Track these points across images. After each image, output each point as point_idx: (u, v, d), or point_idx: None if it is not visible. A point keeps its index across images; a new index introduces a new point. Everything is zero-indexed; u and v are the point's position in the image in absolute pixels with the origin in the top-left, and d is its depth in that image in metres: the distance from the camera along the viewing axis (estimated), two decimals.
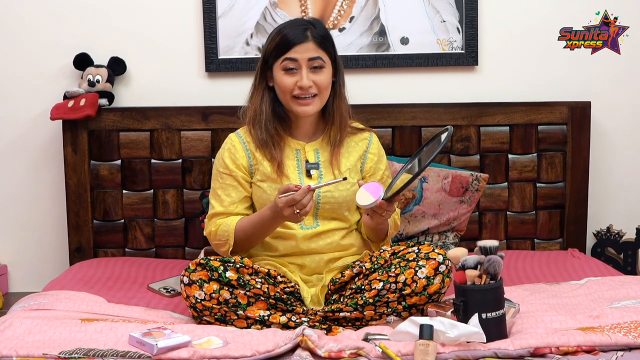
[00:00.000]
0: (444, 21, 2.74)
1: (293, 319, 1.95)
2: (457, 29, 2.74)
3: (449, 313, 1.88)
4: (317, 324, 1.96)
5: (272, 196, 2.09)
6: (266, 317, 1.94)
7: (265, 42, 2.14)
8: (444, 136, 1.99)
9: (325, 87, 2.09)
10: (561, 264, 2.52)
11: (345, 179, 2.00)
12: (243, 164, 2.14)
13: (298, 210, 1.92)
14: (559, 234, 2.75)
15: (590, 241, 2.82)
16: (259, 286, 1.96)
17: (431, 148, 2.00)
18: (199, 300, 1.93)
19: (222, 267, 1.95)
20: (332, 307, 1.97)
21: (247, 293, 1.94)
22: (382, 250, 2.05)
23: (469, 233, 2.71)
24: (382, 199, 1.96)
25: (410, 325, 1.73)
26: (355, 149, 2.19)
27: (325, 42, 2.09)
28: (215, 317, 1.94)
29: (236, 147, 2.15)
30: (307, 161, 2.14)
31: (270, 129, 2.11)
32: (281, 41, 2.07)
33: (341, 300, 2.01)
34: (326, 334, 1.89)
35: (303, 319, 1.96)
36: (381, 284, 1.95)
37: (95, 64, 2.71)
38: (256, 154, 2.14)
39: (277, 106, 2.13)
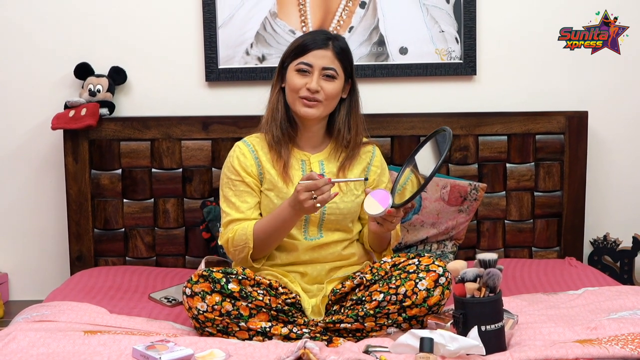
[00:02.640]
0: (442, 31, 2.76)
1: (294, 330, 1.97)
2: (456, 39, 2.76)
3: (448, 325, 1.90)
4: (318, 334, 1.98)
5: (279, 205, 2.11)
6: (268, 329, 1.96)
7: (287, 47, 2.16)
8: (437, 138, 2.01)
9: (332, 97, 2.11)
10: (559, 272, 2.54)
11: (366, 179, 2.05)
12: (253, 171, 2.15)
13: (316, 196, 1.93)
14: (556, 243, 2.77)
15: (587, 249, 2.84)
16: (260, 298, 1.97)
17: (431, 152, 2.03)
18: (201, 312, 1.94)
19: (224, 279, 1.96)
20: (333, 318, 1.99)
21: (249, 305, 1.96)
22: (382, 262, 2.07)
23: (468, 242, 2.73)
24: (391, 207, 1.98)
25: (411, 338, 1.74)
26: (359, 161, 2.21)
27: (343, 56, 2.12)
28: (218, 328, 1.95)
29: (245, 155, 2.16)
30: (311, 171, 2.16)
31: (284, 127, 2.13)
32: (301, 44, 2.11)
33: (342, 311, 2.03)
34: (327, 345, 1.91)
35: (304, 330, 1.98)
36: (382, 295, 1.97)
37: (96, 73, 2.73)
38: (264, 162, 2.15)
39: (288, 110, 2.16)
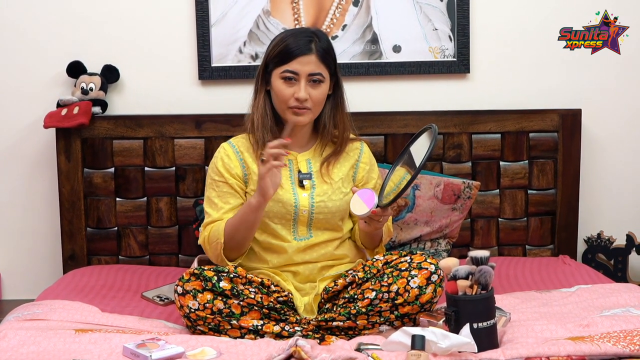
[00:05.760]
0: (436, 29, 2.76)
1: (286, 329, 1.97)
2: (449, 37, 2.76)
3: (440, 322, 1.89)
4: (310, 333, 1.98)
5: (266, 207, 2.10)
6: (260, 327, 1.95)
7: (268, 47, 2.13)
8: (425, 136, 2.01)
9: (319, 102, 2.11)
10: (552, 270, 2.54)
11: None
12: (237, 173, 2.15)
13: (264, 158, 1.93)
14: (550, 241, 2.77)
15: (581, 247, 2.84)
16: (252, 296, 1.97)
17: (417, 148, 2.02)
18: (192, 310, 1.94)
19: (215, 277, 1.96)
20: (325, 317, 1.99)
21: (241, 303, 1.95)
22: (374, 260, 2.07)
23: (461, 240, 2.73)
24: (377, 207, 1.98)
25: (403, 335, 1.74)
26: (347, 159, 2.21)
27: (327, 57, 2.10)
28: (209, 326, 1.95)
29: (230, 157, 2.16)
30: (299, 171, 2.16)
31: (274, 132, 2.12)
32: (284, 50, 2.07)
33: (334, 309, 2.03)
34: (319, 344, 1.91)
35: (296, 328, 1.98)
36: (374, 293, 1.97)
37: (88, 72, 2.72)
38: (249, 163, 2.15)
39: (276, 112, 2.15)
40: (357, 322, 1.97)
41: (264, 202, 2.01)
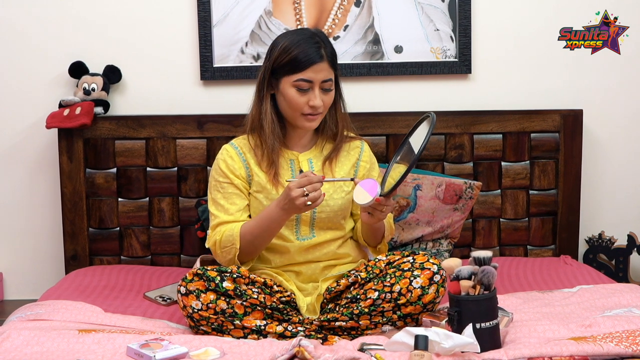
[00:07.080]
0: (437, 30, 2.76)
1: (289, 329, 1.97)
2: (451, 37, 2.76)
3: (443, 322, 1.90)
4: (313, 333, 1.98)
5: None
6: (262, 327, 1.96)
7: (275, 52, 2.09)
8: (425, 124, 2.01)
9: (328, 106, 2.13)
10: (554, 271, 2.55)
11: (353, 179, 2.03)
12: (241, 173, 2.15)
13: (307, 193, 1.92)
14: (551, 241, 2.78)
15: (583, 247, 2.84)
16: (255, 296, 1.97)
17: (417, 138, 2.02)
18: (195, 310, 1.94)
19: (219, 278, 1.96)
20: (328, 317, 1.99)
21: (244, 303, 1.96)
22: (377, 260, 2.08)
23: (463, 240, 2.73)
24: (380, 195, 1.98)
25: (406, 335, 1.75)
26: (347, 157, 2.21)
27: (334, 60, 2.11)
28: (212, 327, 1.95)
29: (233, 158, 2.16)
30: (301, 171, 2.16)
31: (277, 134, 2.12)
32: (297, 58, 2.04)
33: (337, 309, 2.03)
34: (322, 344, 1.91)
35: (299, 328, 1.98)
36: (376, 293, 1.97)
37: (90, 72, 2.72)
38: (252, 164, 2.15)
39: (279, 116, 2.15)
40: (360, 322, 1.97)
41: (287, 217, 2.02)
